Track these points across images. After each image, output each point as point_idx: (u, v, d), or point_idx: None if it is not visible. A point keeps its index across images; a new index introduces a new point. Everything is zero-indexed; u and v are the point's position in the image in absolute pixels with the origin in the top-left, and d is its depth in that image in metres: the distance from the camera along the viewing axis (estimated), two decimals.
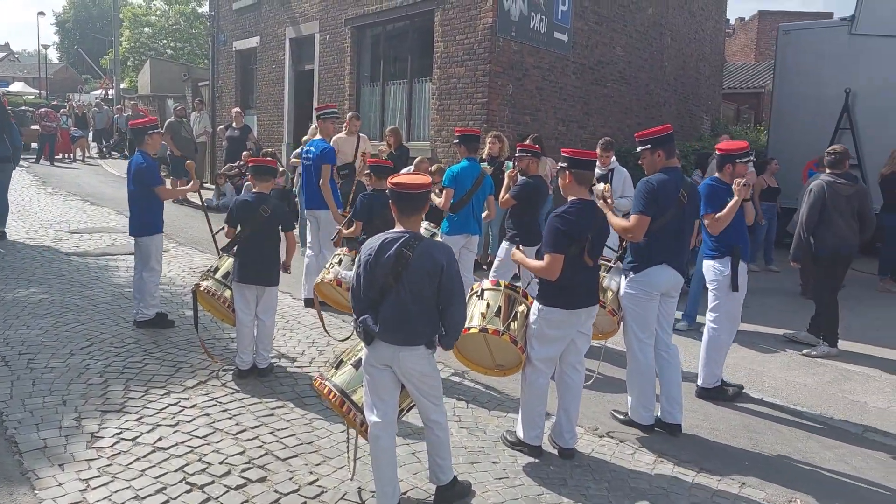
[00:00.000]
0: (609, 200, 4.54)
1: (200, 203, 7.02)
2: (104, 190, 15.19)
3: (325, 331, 5.99)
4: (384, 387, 3.30)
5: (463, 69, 9.74)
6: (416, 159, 9.84)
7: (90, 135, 23.17)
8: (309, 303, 7.08)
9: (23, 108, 23.64)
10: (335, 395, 3.51)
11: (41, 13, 64.50)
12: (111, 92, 34.67)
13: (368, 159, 6.09)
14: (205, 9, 35.96)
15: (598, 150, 7.57)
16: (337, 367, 3.67)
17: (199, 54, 37.50)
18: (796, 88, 11.87)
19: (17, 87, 46.21)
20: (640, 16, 12.31)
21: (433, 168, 9.63)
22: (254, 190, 5.18)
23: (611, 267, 4.90)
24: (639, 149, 4.64)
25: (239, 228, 5.12)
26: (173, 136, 14.08)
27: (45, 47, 51.02)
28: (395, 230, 3.30)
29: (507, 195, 6.53)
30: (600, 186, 7.51)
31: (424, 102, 10.81)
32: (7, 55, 75.58)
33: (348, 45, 12.19)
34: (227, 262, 5.32)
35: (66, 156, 21.18)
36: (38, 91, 44.33)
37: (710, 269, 5.18)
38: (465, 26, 9.67)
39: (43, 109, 20.44)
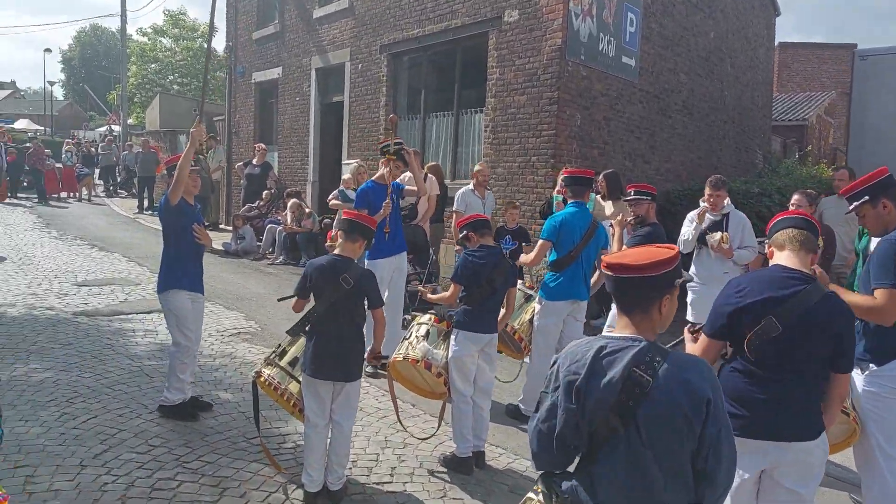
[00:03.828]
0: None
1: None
2: (113, 233, 14.00)
3: (401, 424, 4.74)
4: None
5: (524, 97, 8.60)
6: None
7: (96, 172, 22.08)
8: (374, 374, 5.84)
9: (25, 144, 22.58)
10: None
11: (48, 50, 64.15)
12: (115, 128, 33.84)
13: (465, 215, 4.86)
14: (216, 41, 35.26)
15: (707, 190, 6.37)
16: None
17: (208, 90, 36.73)
18: (877, 116, 10.73)
19: (22, 124, 45.33)
20: (702, 40, 11.23)
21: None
22: (336, 252, 3.94)
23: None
24: (853, 206, 3.42)
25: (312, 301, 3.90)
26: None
27: (52, 83, 50.28)
28: (617, 334, 2.07)
29: (623, 246, 5.33)
30: (717, 236, 6.33)
31: (474, 136, 9.65)
32: (12, 92, 75.24)
33: (384, 73, 11.09)
34: (298, 344, 4.06)
35: (71, 194, 20.06)
36: (43, 128, 43.44)
37: None
38: (526, 49, 8.55)
39: (31, 146, 19.31)
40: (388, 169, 6.10)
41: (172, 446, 4.47)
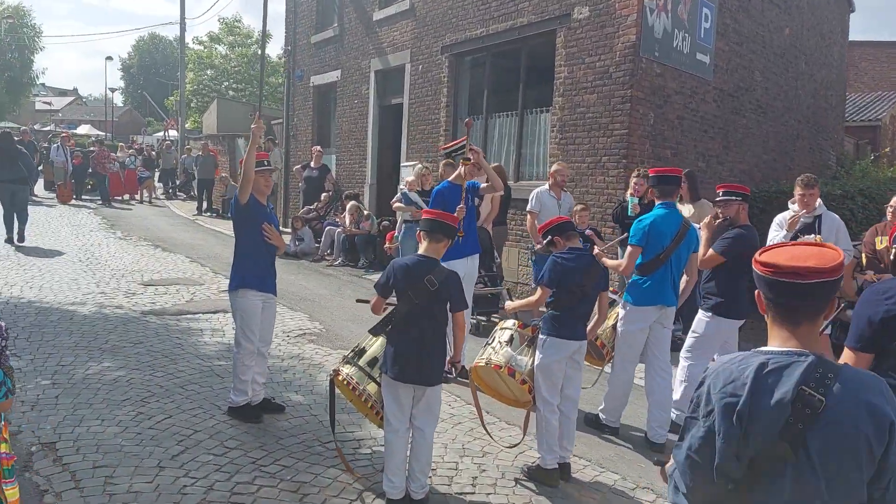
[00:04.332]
0: None
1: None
2: (174, 234, 14.20)
3: (486, 431, 4.53)
4: None
5: (594, 96, 8.33)
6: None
7: (157, 175, 22.56)
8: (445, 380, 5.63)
9: (45, 145, 23.41)
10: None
11: (109, 58, 66.08)
12: (172, 132, 34.58)
13: (541, 217, 4.63)
14: (270, 47, 35.76)
15: (798, 189, 6.02)
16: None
17: (268, 94, 37.22)
18: None
19: (83, 129, 47.01)
20: (777, 37, 10.77)
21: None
22: (420, 251, 3.77)
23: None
24: None
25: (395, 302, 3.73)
26: None
27: (113, 90, 51.86)
28: (777, 348, 1.82)
29: (709, 250, 5.03)
30: (809, 238, 5.99)
31: (539, 136, 9.42)
32: (75, 99, 78.05)
33: (444, 74, 10.94)
34: (377, 344, 3.90)
35: (133, 197, 20.52)
36: (103, 133, 44.84)
37: None
38: (597, 46, 8.28)
39: (95, 150, 19.81)
40: (464, 168, 5.92)
41: (248, 449, 4.36)
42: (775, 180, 10.57)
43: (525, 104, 9.67)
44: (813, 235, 5.85)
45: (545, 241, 4.26)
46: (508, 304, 4.31)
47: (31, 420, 4.57)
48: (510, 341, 4.26)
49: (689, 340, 5.27)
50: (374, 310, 3.84)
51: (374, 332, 3.79)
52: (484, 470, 4.30)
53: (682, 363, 5.23)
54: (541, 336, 4.14)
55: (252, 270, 4.80)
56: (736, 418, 1.74)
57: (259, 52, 40.91)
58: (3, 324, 2.16)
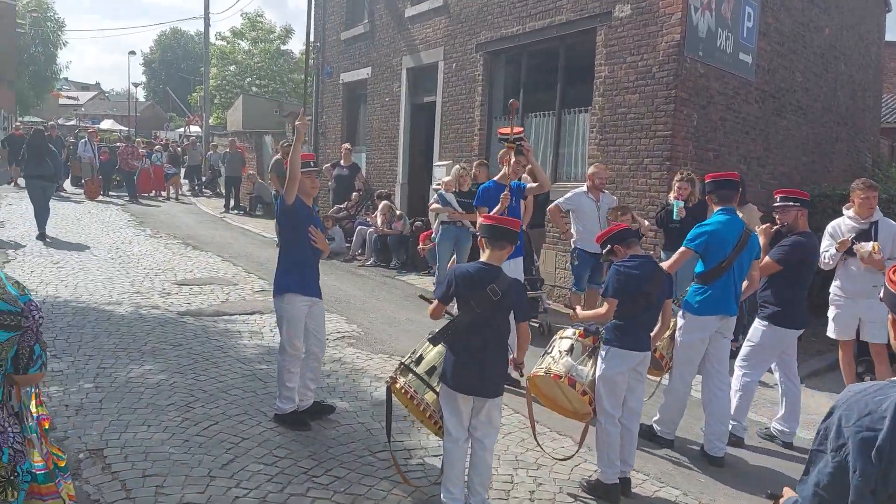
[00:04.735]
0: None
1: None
2: (203, 232, 14.19)
3: (538, 442, 4.41)
4: None
5: (636, 96, 8.15)
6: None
7: (181, 172, 22.63)
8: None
9: (72, 140, 23.64)
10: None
11: (132, 52, 66.52)
12: (194, 128, 34.69)
13: (613, 223, 4.46)
14: (293, 43, 35.78)
15: (859, 193, 5.82)
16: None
17: (284, 91, 37.21)
18: None
19: (106, 124, 47.31)
20: (818, 36, 10.51)
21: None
22: (483, 259, 3.65)
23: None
24: None
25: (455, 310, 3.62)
26: (279, 175, 12.99)
27: (136, 85, 52.20)
28: None
29: (765, 258, 4.87)
30: (867, 246, 5.77)
31: (578, 136, 9.25)
32: (97, 94, 78.76)
33: (479, 73, 10.80)
34: (435, 352, 3.79)
35: (159, 193, 20.59)
36: (126, 128, 45.16)
37: None
38: (640, 45, 8.11)
39: (122, 146, 19.90)
40: (509, 168, 5.80)
41: (298, 458, 4.27)
42: (815, 183, 10.32)
43: (563, 103, 9.50)
44: (871, 242, 5.66)
45: (604, 251, 4.12)
46: (579, 312, 4.17)
47: (77, 425, 4.51)
48: (570, 350, 4.13)
49: (744, 349, 5.12)
50: (432, 316, 3.73)
51: (435, 341, 3.68)
52: (540, 483, 4.18)
53: (737, 372, 5.08)
54: (603, 346, 4.00)
55: (297, 275, 4.71)
56: (875, 454, 1.60)
57: (281, 46, 41.06)
58: (34, 302, 2.31)
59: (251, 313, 7.72)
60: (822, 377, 6.84)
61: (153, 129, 49.42)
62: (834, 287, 5.95)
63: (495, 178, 5.99)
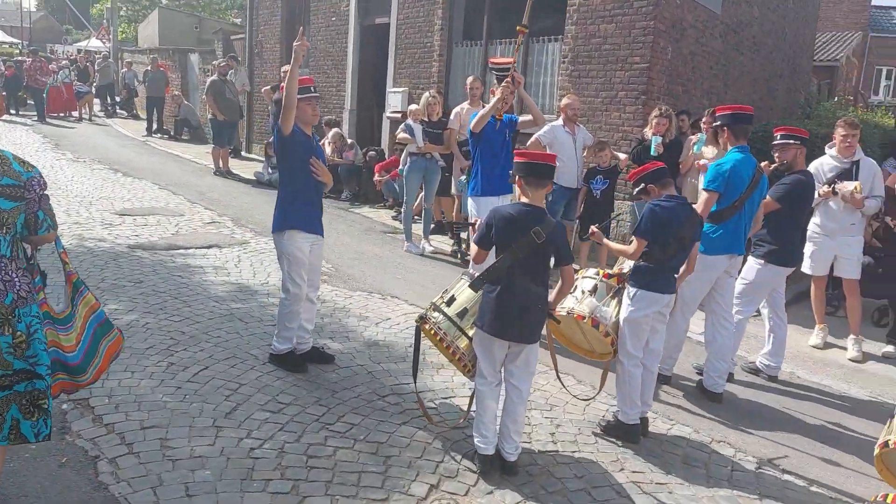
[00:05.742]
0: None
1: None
2: (129, 156, 13.19)
3: (562, 383, 4.32)
4: None
5: (612, 26, 7.91)
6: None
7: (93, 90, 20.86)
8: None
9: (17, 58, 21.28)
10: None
11: None
12: (97, 43, 31.89)
13: (647, 164, 4.23)
14: None
15: (840, 132, 5.86)
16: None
17: (198, 5, 34.59)
18: None
19: None
20: None
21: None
22: (523, 200, 3.40)
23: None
24: None
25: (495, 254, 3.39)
26: (216, 98, 12.14)
27: None
28: None
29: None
30: (849, 186, 5.87)
31: (547, 67, 8.97)
32: None
33: None
34: (468, 293, 3.57)
35: (70, 114, 18.92)
36: (19, 41, 41.13)
37: None
38: None
39: (29, 61, 18.06)
40: (500, 97, 5.50)
41: (304, 404, 4.02)
42: (761, 121, 10.50)
43: (531, 31, 9.12)
44: (854, 182, 5.76)
45: (636, 189, 3.96)
46: (609, 244, 4.03)
47: None
48: (593, 291, 4.01)
49: (738, 287, 5.13)
50: (475, 261, 3.50)
51: (475, 286, 3.44)
52: (559, 425, 4.11)
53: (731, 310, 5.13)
54: (629, 288, 3.89)
55: (299, 210, 4.35)
56: None
57: None
58: (36, 177, 2.71)
59: (208, 247, 7.23)
60: (788, 310, 7.06)
61: (48, 43, 45.24)
62: (812, 224, 6.04)
63: (481, 112, 5.68)
